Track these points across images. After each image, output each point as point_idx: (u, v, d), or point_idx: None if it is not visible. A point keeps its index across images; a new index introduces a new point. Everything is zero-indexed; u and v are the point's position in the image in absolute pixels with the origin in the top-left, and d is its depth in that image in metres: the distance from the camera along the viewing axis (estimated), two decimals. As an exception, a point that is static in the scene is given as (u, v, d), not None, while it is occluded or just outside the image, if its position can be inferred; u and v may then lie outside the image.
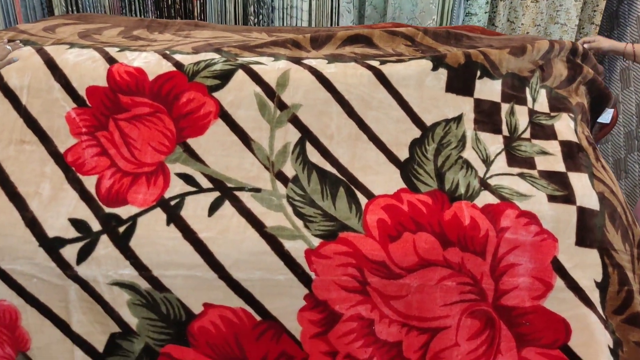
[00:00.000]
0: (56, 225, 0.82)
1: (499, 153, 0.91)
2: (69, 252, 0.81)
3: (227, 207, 0.84)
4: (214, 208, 0.84)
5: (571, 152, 0.93)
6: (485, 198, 0.86)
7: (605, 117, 1.14)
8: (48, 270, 0.81)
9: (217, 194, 0.85)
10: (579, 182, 0.90)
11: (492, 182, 0.88)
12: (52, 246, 0.81)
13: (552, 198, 0.87)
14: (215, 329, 0.82)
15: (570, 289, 0.85)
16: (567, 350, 0.85)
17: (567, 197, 0.87)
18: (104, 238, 0.82)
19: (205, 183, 0.86)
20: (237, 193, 0.85)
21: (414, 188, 0.87)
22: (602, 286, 0.86)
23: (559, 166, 0.91)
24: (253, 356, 0.84)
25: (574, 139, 0.94)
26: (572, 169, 0.91)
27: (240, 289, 0.82)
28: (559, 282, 0.85)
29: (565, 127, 0.96)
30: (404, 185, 0.87)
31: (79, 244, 0.82)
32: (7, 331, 0.84)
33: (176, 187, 0.85)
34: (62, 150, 0.88)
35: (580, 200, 0.87)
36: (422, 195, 0.86)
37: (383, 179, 0.88)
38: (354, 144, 0.90)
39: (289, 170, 0.87)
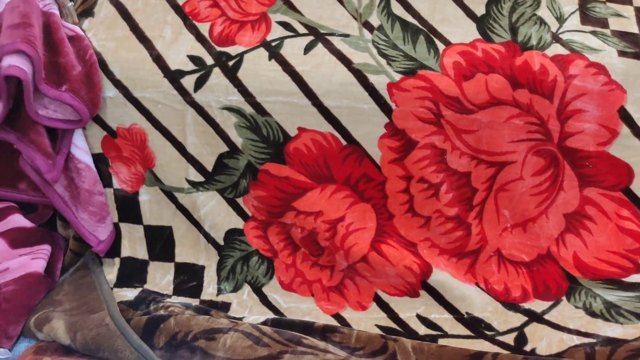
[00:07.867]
0: (177, 61, 0.97)
1: (573, 12, 0.96)
2: (188, 82, 0.96)
3: (320, 48, 0.95)
4: (308, 48, 0.95)
5: None
6: (556, 49, 0.92)
7: None
8: (171, 97, 0.96)
9: (311, 37, 0.96)
10: None
11: (564, 36, 0.93)
12: (174, 77, 0.96)
13: (622, 53, 0.91)
14: (307, 150, 0.95)
15: (636, 136, 0.89)
16: (628, 193, 0.91)
17: (639, 54, 0.91)
18: (216, 70, 0.95)
19: (301, 29, 0.97)
20: (329, 37, 0.96)
21: (489, 39, 0.94)
22: None
23: (633, 28, 0.94)
24: (339, 175, 0.96)
25: None
26: None
27: (330, 115, 0.93)
28: (624, 130, 0.89)
29: None
30: (479, 36, 0.94)
31: (196, 75, 0.96)
32: (139, 151, 1.01)
33: (277, 32, 0.97)
34: (180, 3, 1.02)
35: None
36: (495, 45, 0.93)
37: (460, 31, 0.95)
38: (434, 0, 0.98)
39: (375, 20, 0.97)
